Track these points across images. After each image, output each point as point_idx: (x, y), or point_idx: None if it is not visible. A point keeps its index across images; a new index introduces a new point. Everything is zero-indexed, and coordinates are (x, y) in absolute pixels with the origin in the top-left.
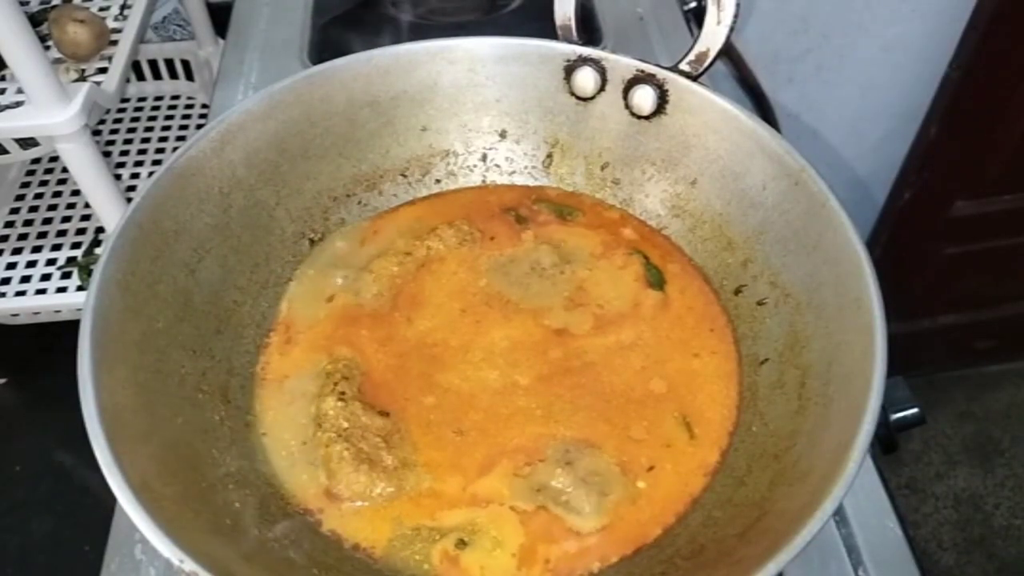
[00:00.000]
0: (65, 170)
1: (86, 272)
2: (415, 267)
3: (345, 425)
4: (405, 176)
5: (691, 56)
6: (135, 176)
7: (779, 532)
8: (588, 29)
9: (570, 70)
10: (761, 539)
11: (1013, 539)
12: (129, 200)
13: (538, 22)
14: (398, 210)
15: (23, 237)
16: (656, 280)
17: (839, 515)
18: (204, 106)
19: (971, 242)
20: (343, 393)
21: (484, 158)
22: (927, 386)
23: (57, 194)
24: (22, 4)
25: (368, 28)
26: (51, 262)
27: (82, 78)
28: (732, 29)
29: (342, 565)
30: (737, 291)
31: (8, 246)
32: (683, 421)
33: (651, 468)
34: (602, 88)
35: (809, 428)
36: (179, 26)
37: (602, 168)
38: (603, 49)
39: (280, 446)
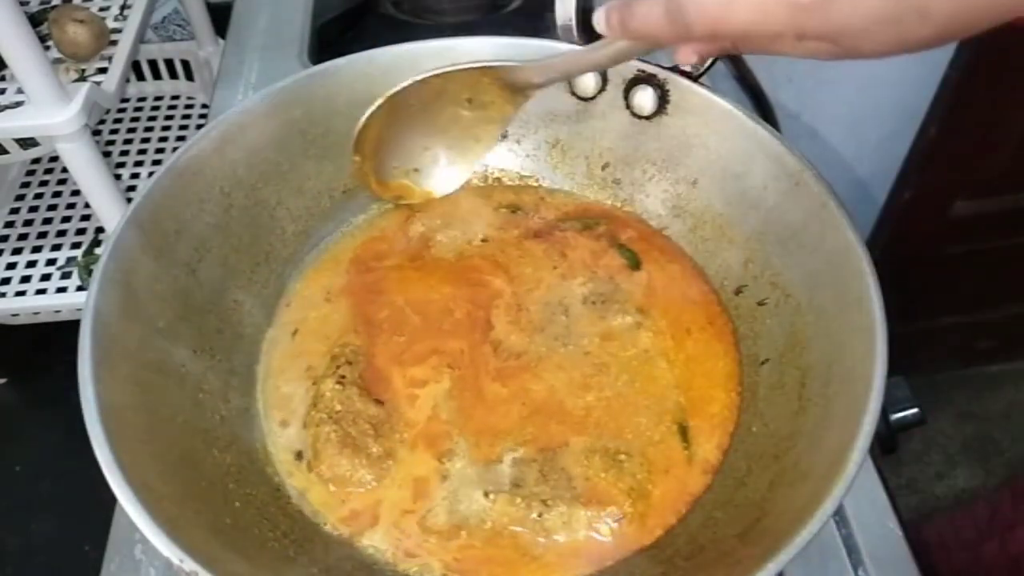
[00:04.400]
0: (65, 170)
1: (86, 272)
2: (415, 268)
3: (338, 408)
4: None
5: None
6: (135, 176)
7: (779, 532)
8: (589, 30)
9: None
10: (761, 539)
11: None
12: (129, 200)
13: (538, 21)
14: (398, 210)
15: (23, 237)
16: (633, 262)
17: (839, 515)
18: (204, 106)
19: (971, 242)
20: (343, 377)
21: (485, 159)
22: (927, 386)
23: (57, 194)
24: (22, 4)
25: (368, 28)
26: (51, 262)
27: (82, 78)
28: None
29: (343, 564)
30: (738, 291)
31: (8, 246)
32: (683, 421)
33: (652, 468)
34: (603, 88)
35: (810, 429)
36: (179, 26)
37: (603, 168)
38: None
39: (280, 446)
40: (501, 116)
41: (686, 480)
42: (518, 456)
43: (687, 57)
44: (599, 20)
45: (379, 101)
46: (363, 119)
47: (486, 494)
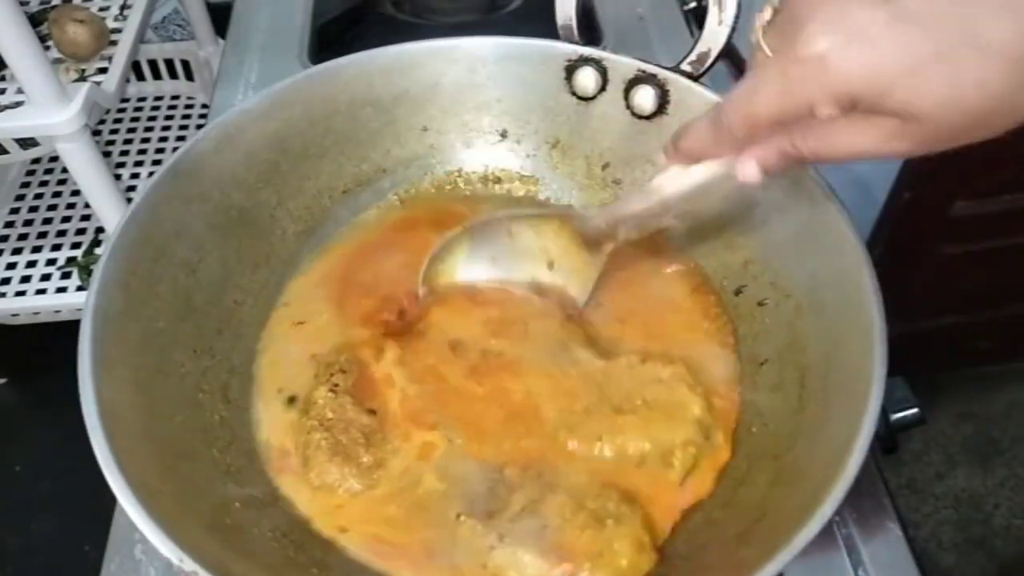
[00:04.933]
0: (65, 170)
1: (86, 272)
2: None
3: (330, 416)
4: (406, 176)
5: (692, 56)
6: (135, 176)
7: (779, 532)
8: (588, 29)
9: (571, 70)
10: (761, 539)
11: (1013, 539)
12: (129, 200)
13: (538, 22)
14: (402, 210)
15: (23, 237)
16: None
17: (839, 515)
18: (204, 106)
19: (971, 242)
20: (336, 385)
21: (485, 159)
22: (927, 386)
23: (57, 194)
24: (22, 4)
25: (368, 28)
26: (51, 262)
27: (82, 78)
28: (734, 29)
29: (342, 566)
30: (738, 291)
31: (8, 246)
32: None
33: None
34: (603, 88)
35: (809, 428)
36: (179, 26)
37: (603, 168)
38: (603, 49)
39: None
40: (582, 286)
41: (677, 500)
42: (501, 477)
43: (748, 170)
44: (664, 152)
45: (451, 232)
46: (435, 249)
47: (458, 516)
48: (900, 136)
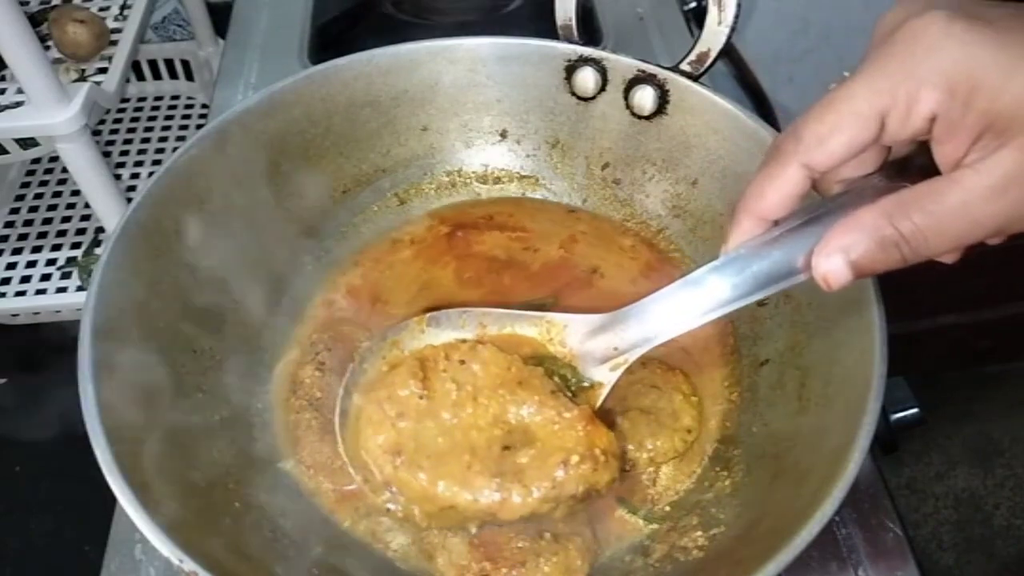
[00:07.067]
0: (65, 170)
1: (86, 272)
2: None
3: (318, 395)
4: (406, 176)
5: (692, 56)
6: (135, 176)
7: (779, 533)
8: (588, 29)
9: (571, 70)
10: (761, 540)
11: (1013, 539)
12: (129, 200)
13: (537, 22)
14: (399, 210)
15: (23, 237)
16: None
17: (839, 515)
18: (204, 106)
19: None
20: (322, 364)
21: (485, 159)
22: (927, 386)
23: (57, 194)
24: (22, 4)
25: (368, 28)
26: (51, 262)
27: (82, 78)
28: (733, 29)
29: (343, 564)
30: None
31: (8, 246)
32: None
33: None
34: (603, 88)
35: (810, 429)
36: (179, 26)
37: (603, 168)
38: (603, 49)
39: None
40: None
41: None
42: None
43: (831, 266)
44: (726, 241)
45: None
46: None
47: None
48: (1014, 179)
